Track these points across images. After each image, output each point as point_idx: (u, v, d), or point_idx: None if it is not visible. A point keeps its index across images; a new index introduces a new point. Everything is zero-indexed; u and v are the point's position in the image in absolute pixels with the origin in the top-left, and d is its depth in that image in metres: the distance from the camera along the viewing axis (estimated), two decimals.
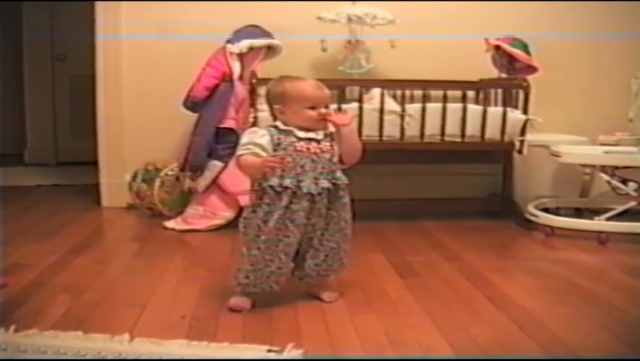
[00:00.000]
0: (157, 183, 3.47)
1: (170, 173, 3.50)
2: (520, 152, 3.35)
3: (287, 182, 2.00)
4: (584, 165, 3.44)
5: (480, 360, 1.76)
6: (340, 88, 3.21)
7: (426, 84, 3.43)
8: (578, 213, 3.55)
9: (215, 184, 3.28)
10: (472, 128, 3.29)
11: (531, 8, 3.83)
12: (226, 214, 3.28)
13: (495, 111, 3.34)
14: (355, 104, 3.20)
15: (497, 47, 3.47)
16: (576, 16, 3.88)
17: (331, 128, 2.10)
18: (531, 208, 3.33)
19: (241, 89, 3.28)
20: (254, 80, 3.17)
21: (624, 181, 3.17)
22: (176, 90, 3.29)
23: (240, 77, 3.29)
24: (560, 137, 3.61)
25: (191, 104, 3.30)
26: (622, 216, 3.13)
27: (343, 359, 1.76)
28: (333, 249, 2.12)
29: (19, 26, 5.63)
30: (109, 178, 3.84)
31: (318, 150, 2.04)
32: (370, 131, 3.17)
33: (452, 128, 3.28)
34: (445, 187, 3.85)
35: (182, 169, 3.39)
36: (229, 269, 2.32)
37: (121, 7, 3.71)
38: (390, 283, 2.42)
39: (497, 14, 3.80)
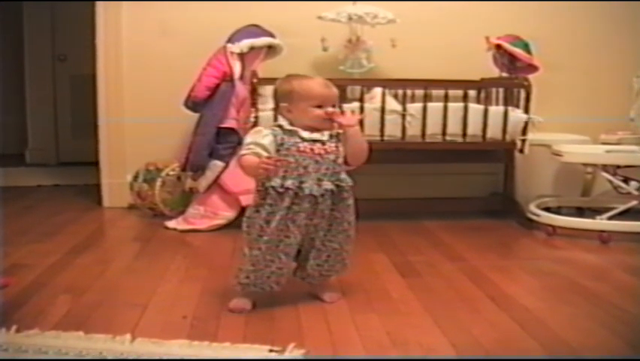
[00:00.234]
0: (158, 183, 3.47)
1: (171, 173, 3.50)
2: (521, 151, 3.35)
3: (288, 183, 1.99)
4: (585, 165, 3.43)
5: (482, 360, 1.76)
6: (341, 87, 3.20)
7: (427, 83, 3.43)
8: (580, 212, 3.55)
9: (216, 184, 3.28)
10: (474, 128, 3.29)
11: (531, 8, 3.83)
12: (227, 214, 3.28)
13: (496, 110, 3.34)
14: (356, 104, 3.20)
15: (498, 46, 3.47)
16: (576, 15, 3.87)
17: (335, 131, 2.08)
18: (533, 208, 3.32)
19: (242, 89, 3.27)
20: (255, 80, 3.17)
21: (626, 180, 3.17)
22: (177, 90, 3.29)
23: (241, 77, 3.28)
24: (562, 136, 3.61)
25: (192, 103, 3.29)
26: (624, 215, 3.13)
27: (345, 359, 1.76)
28: (335, 250, 2.12)
29: (19, 26, 5.63)
30: (110, 178, 3.84)
31: (322, 151, 2.03)
32: (371, 130, 3.17)
33: (453, 127, 3.28)
34: (447, 187, 3.85)
35: (184, 169, 3.39)
36: (230, 269, 2.32)
37: (121, 7, 3.71)
38: (392, 282, 2.42)
39: (498, 14, 3.79)
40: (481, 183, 3.92)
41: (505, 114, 3.30)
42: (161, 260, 2.71)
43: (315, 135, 2.03)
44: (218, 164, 3.25)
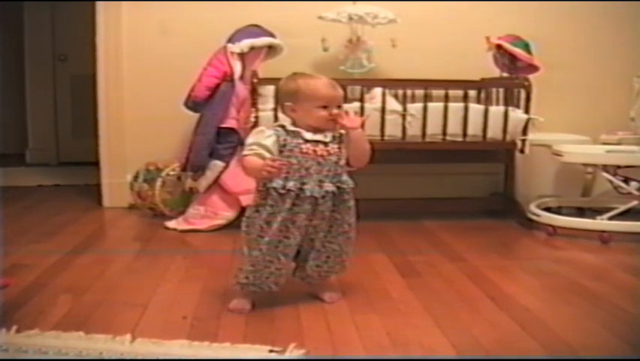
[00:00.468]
0: (158, 183, 3.47)
1: (171, 173, 3.50)
2: (522, 151, 3.35)
3: (290, 184, 1.98)
4: (585, 165, 3.43)
5: (482, 360, 1.76)
6: (342, 88, 3.19)
7: (427, 84, 3.43)
8: (580, 212, 3.54)
9: (216, 184, 3.28)
10: (474, 128, 3.29)
11: (531, 8, 3.82)
12: (227, 214, 3.28)
13: (497, 111, 3.34)
14: (356, 104, 3.20)
15: (498, 46, 3.47)
16: (577, 15, 3.87)
17: (337, 132, 2.07)
18: (533, 208, 3.32)
19: (242, 89, 3.27)
20: (255, 80, 3.17)
21: (626, 180, 3.17)
22: (177, 90, 3.29)
23: (241, 77, 3.28)
24: (562, 136, 3.60)
25: (192, 103, 3.29)
26: (624, 215, 3.13)
27: (345, 360, 1.75)
28: (335, 251, 2.12)
29: (20, 26, 5.63)
30: (110, 178, 3.84)
31: (324, 153, 2.02)
32: (372, 130, 3.16)
33: (454, 127, 3.28)
34: (447, 187, 3.85)
35: (184, 169, 3.39)
36: (230, 269, 2.32)
37: (121, 7, 3.71)
38: (392, 282, 2.42)
39: (498, 14, 3.79)
40: (482, 183, 3.92)
41: (506, 114, 3.30)
42: (161, 260, 2.71)
43: (318, 136, 2.02)
44: (218, 164, 3.25)
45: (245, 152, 2.02)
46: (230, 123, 3.26)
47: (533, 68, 3.45)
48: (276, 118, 3.06)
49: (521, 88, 3.33)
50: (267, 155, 1.98)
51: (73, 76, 5.62)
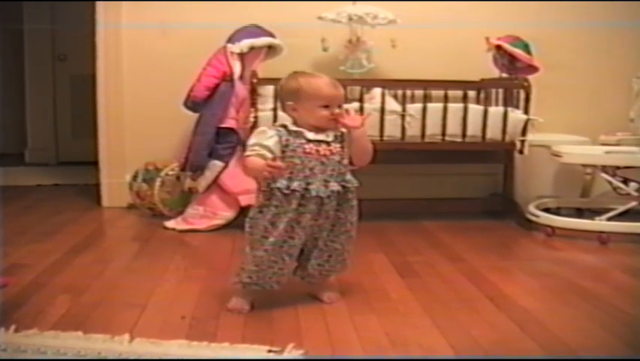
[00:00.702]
0: (157, 182, 3.47)
1: (170, 173, 3.50)
2: (521, 152, 3.35)
3: (295, 185, 1.97)
4: (585, 165, 3.43)
5: (481, 360, 1.76)
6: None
7: (427, 84, 3.43)
8: (579, 213, 3.54)
9: (215, 184, 3.28)
10: (473, 128, 3.29)
11: (531, 8, 3.83)
12: (226, 214, 3.28)
13: (496, 111, 3.34)
14: (356, 104, 3.20)
15: (498, 47, 3.47)
16: (576, 16, 3.87)
17: (339, 131, 2.06)
18: (532, 208, 3.32)
19: (242, 89, 3.27)
20: (254, 80, 3.17)
21: (625, 181, 3.17)
22: (177, 90, 3.29)
23: (241, 77, 3.28)
24: (561, 137, 3.60)
25: (191, 103, 3.29)
26: (623, 216, 3.13)
27: (344, 360, 1.75)
28: (337, 250, 2.12)
29: (20, 26, 5.63)
30: (109, 178, 3.84)
31: (327, 152, 2.01)
32: (371, 131, 3.14)
33: (453, 128, 3.28)
34: (446, 187, 3.85)
35: (183, 169, 3.39)
36: (230, 269, 2.32)
37: (121, 7, 3.71)
38: (391, 283, 2.42)
39: (498, 14, 3.79)
40: (481, 184, 3.92)
41: (505, 115, 3.30)
42: (160, 260, 2.71)
43: (321, 136, 2.02)
44: (217, 164, 3.25)
45: (247, 152, 2.01)
46: (229, 123, 3.26)
47: (533, 69, 3.45)
48: (275, 118, 3.07)
49: (521, 88, 3.34)
50: (269, 155, 1.96)
51: (72, 76, 5.61)
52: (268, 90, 3.14)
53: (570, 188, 3.67)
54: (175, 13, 3.70)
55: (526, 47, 3.46)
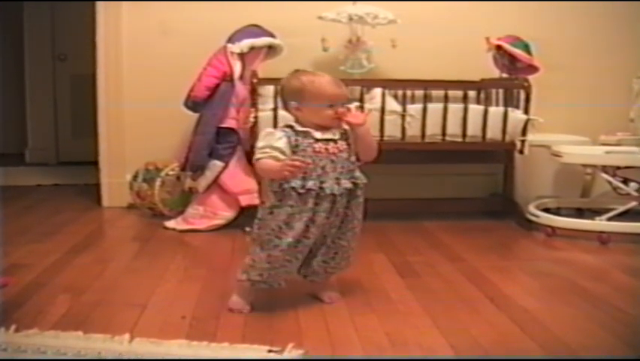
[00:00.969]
0: (158, 182, 3.47)
1: (170, 173, 3.50)
2: (521, 152, 3.35)
3: (310, 184, 1.96)
4: (585, 165, 3.43)
5: (481, 360, 1.76)
6: None
7: (427, 84, 3.43)
8: (579, 213, 3.54)
9: (216, 184, 3.28)
10: (473, 128, 3.29)
11: (531, 8, 3.83)
12: (227, 214, 3.28)
13: (496, 111, 3.34)
14: (356, 104, 3.19)
15: (498, 47, 3.47)
16: (576, 16, 3.88)
17: (344, 128, 2.07)
18: (532, 208, 3.32)
19: (242, 89, 3.27)
20: (255, 80, 3.17)
21: (625, 181, 3.17)
22: (177, 90, 3.29)
23: (241, 77, 3.28)
24: (561, 137, 3.60)
25: (192, 103, 3.29)
26: (623, 216, 3.13)
27: (344, 360, 1.75)
28: (343, 247, 2.12)
29: (19, 26, 5.63)
30: (109, 178, 3.84)
31: (336, 150, 2.01)
32: (371, 130, 3.15)
33: (453, 128, 3.28)
34: (446, 187, 3.85)
35: (183, 169, 3.39)
36: (230, 269, 2.32)
37: (121, 7, 3.72)
38: (391, 283, 2.42)
39: (498, 14, 3.79)
40: (481, 184, 3.92)
41: (505, 115, 3.30)
42: (161, 260, 2.71)
43: (327, 135, 2.02)
44: (217, 164, 3.25)
45: (258, 155, 1.99)
46: (229, 123, 3.26)
47: (533, 69, 3.45)
48: (275, 118, 3.07)
49: (521, 89, 3.33)
50: (282, 157, 1.95)
51: (72, 76, 5.61)
52: (268, 90, 3.14)
53: (570, 188, 3.67)
54: (175, 13, 3.70)
55: (526, 47, 3.46)
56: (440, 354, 1.78)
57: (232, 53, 3.26)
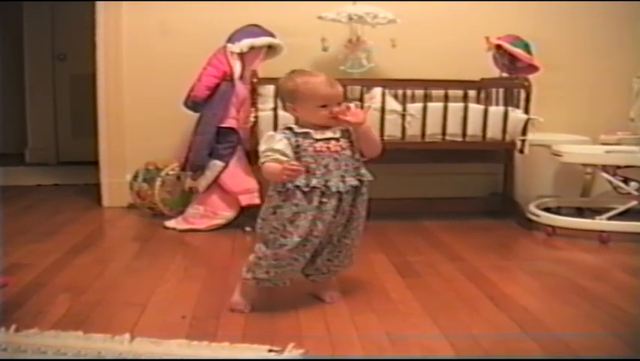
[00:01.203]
0: (158, 182, 3.47)
1: (171, 172, 3.50)
2: (521, 151, 3.35)
3: (314, 182, 1.97)
4: (585, 165, 3.43)
5: (481, 360, 1.76)
6: (341, 87, 3.19)
7: (427, 84, 3.43)
8: (580, 212, 3.54)
9: (216, 184, 3.28)
10: (474, 128, 3.29)
11: (531, 8, 3.83)
12: (227, 214, 3.28)
13: (496, 111, 3.33)
14: (356, 103, 3.19)
15: (498, 46, 3.47)
16: (576, 16, 3.88)
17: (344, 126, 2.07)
18: (532, 208, 3.32)
19: (242, 89, 3.27)
20: (255, 80, 3.17)
21: (625, 181, 3.17)
22: (177, 90, 3.29)
23: (241, 77, 3.28)
24: (562, 136, 3.60)
25: (192, 103, 3.29)
26: (623, 215, 3.13)
27: (344, 360, 1.75)
28: (347, 245, 2.12)
29: (19, 26, 5.63)
30: (110, 178, 3.84)
31: (338, 148, 2.01)
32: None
33: (453, 127, 3.28)
34: (446, 187, 3.85)
35: (183, 169, 3.39)
36: (230, 268, 2.32)
37: (121, 7, 3.71)
38: (391, 282, 2.42)
39: (498, 14, 3.79)
40: (481, 183, 3.92)
41: (505, 114, 3.30)
42: (161, 260, 2.71)
43: (328, 134, 2.02)
44: (217, 163, 3.25)
45: (261, 159, 2.00)
46: (229, 123, 3.26)
47: (533, 68, 3.44)
48: (275, 118, 3.07)
49: (521, 88, 3.33)
50: (284, 159, 1.95)
51: (72, 75, 5.61)
52: (268, 90, 3.14)
53: (570, 187, 3.67)
54: (175, 13, 3.70)
55: (526, 47, 3.46)
56: (440, 353, 1.78)
57: (232, 52, 3.26)
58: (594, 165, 3.29)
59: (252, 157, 3.07)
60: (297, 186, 1.97)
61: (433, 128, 3.27)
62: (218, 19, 3.58)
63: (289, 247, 1.99)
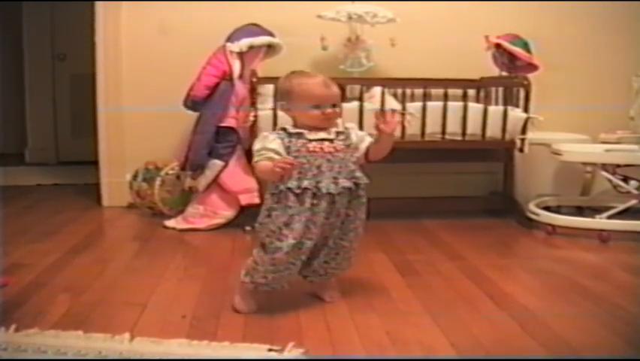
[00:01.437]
0: (157, 182, 3.46)
1: (170, 172, 3.50)
2: (521, 150, 3.34)
3: (306, 183, 1.96)
4: (585, 164, 3.44)
5: (481, 360, 1.76)
6: (341, 87, 3.18)
7: (426, 83, 3.43)
8: (580, 211, 3.54)
9: (215, 183, 3.28)
10: (473, 127, 3.29)
11: (531, 7, 3.83)
12: (227, 213, 3.28)
13: (496, 110, 3.33)
14: (356, 103, 3.20)
15: (498, 45, 3.47)
16: (576, 14, 3.88)
17: (341, 127, 2.06)
18: (532, 207, 3.32)
19: (241, 88, 3.27)
20: (254, 79, 3.16)
21: (625, 179, 3.17)
22: (177, 89, 3.29)
23: (240, 76, 3.28)
24: (561, 135, 3.60)
25: (191, 103, 3.29)
26: (623, 214, 3.13)
27: (344, 359, 1.75)
28: (345, 247, 2.11)
29: (19, 26, 5.63)
30: (109, 177, 3.84)
31: (332, 149, 2.00)
32: (371, 130, 3.12)
33: (453, 126, 3.28)
34: (446, 186, 3.85)
35: (183, 168, 3.39)
36: (230, 268, 2.32)
37: (121, 7, 3.71)
38: (392, 282, 2.41)
39: (497, 13, 3.79)
40: (481, 182, 3.92)
41: (505, 113, 3.30)
42: (161, 259, 2.71)
43: (322, 134, 2.01)
44: (217, 163, 3.25)
45: (255, 158, 2.00)
46: (229, 122, 3.26)
47: (532, 67, 3.44)
48: (275, 117, 3.07)
49: (520, 87, 3.33)
50: (277, 157, 1.95)
51: (72, 75, 5.61)
52: (268, 89, 3.14)
53: (570, 186, 3.67)
54: (174, 13, 3.70)
55: (525, 46, 3.46)
56: (441, 353, 1.77)
57: (231, 52, 3.25)
58: (594, 164, 3.29)
59: (252, 156, 3.07)
60: (289, 189, 1.96)
61: (433, 127, 3.27)
62: (217, 18, 3.58)
63: (285, 250, 1.98)
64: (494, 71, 3.58)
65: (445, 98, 3.27)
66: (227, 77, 3.25)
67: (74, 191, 4.28)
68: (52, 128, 5.79)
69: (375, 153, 2.09)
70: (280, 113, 2.91)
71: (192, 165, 3.30)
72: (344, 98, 3.22)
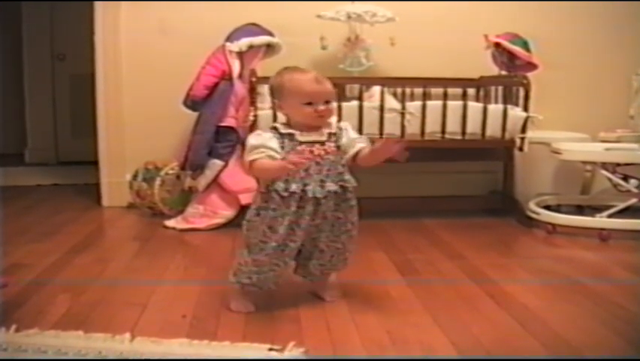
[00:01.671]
0: (157, 182, 3.46)
1: (170, 172, 3.50)
2: (521, 149, 3.34)
3: (293, 187, 1.93)
4: (585, 162, 3.43)
5: (482, 360, 1.76)
6: (340, 86, 3.20)
7: (426, 82, 3.42)
8: (580, 210, 3.54)
9: (215, 183, 3.28)
10: (473, 126, 3.29)
11: (530, 6, 3.82)
12: (227, 213, 3.28)
13: (495, 109, 3.33)
14: (355, 102, 3.20)
15: (497, 45, 3.47)
16: (575, 14, 3.88)
17: (334, 128, 2.03)
18: (532, 206, 3.32)
19: (241, 88, 3.27)
20: (253, 79, 3.16)
21: (625, 178, 3.17)
22: (176, 89, 3.29)
23: (240, 76, 3.28)
24: (561, 134, 3.60)
25: (191, 102, 3.29)
26: (623, 213, 3.12)
27: (344, 359, 1.75)
28: (338, 249, 2.10)
29: (18, 26, 5.63)
30: (109, 177, 3.84)
31: (322, 152, 1.96)
32: (370, 129, 3.16)
33: (453, 125, 3.28)
34: (446, 185, 3.85)
35: (183, 168, 3.39)
36: (230, 268, 2.31)
37: (120, 7, 3.71)
38: (392, 281, 2.41)
39: (497, 12, 3.79)
40: (481, 182, 3.92)
41: (505, 112, 3.30)
42: (161, 259, 2.71)
43: (313, 136, 1.98)
44: (217, 163, 3.25)
45: (253, 156, 1.93)
46: (229, 122, 3.26)
47: (532, 66, 3.44)
48: (274, 116, 3.06)
49: (520, 86, 3.33)
50: (277, 156, 1.92)
51: (72, 75, 5.61)
52: (267, 89, 3.13)
53: (570, 185, 3.67)
54: (174, 13, 3.70)
55: (525, 45, 3.46)
56: (441, 352, 1.77)
57: (231, 51, 3.26)
58: (594, 163, 3.29)
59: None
60: (276, 191, 1.94)
61: (433, 126, 3.27)
62: (217, 18, 3.58)
63: (267, 252, 1.97)
64: (494, 70, 3.58)
65: (445, 97, 3.27)
66: (227, 76, 3.25)
67: (74, 191, 4.28)
68: (52, 129, 5.79)
69: (364, 162, 2.03)
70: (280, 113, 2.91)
71: (192, 164, 3.30)
72: (344, 97, 3.23)
